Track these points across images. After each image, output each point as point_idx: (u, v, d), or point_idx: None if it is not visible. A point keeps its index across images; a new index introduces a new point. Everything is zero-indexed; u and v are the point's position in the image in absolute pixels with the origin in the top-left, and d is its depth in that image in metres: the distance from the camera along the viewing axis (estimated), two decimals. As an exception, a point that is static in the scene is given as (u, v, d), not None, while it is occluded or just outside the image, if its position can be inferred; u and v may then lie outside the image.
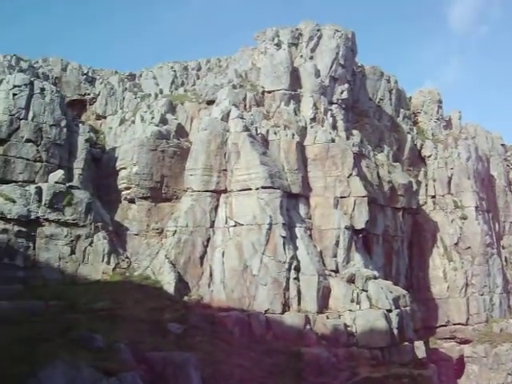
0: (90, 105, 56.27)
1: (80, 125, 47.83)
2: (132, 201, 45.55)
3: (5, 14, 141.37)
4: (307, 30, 54.44)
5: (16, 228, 38.44)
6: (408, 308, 42.42)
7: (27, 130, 42.21)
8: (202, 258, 42.57)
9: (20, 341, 27.80)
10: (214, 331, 34.91)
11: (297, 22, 56.10)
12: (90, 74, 59.02)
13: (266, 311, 39.31)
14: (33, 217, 39.33)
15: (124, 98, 56.39)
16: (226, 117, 46.60)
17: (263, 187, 42.71)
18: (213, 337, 33.81)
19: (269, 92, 50.49)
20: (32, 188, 40.17)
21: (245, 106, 49.08)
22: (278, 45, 53.51)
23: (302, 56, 53.54)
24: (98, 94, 56.68)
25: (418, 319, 47.94)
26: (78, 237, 40.70)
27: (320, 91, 51.11)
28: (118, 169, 46.49)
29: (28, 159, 41.81)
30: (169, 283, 40.36)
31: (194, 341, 32.68)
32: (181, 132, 49.25)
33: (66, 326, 30.08)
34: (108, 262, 40.97)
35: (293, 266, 41.05)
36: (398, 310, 40.61)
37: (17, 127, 41.98)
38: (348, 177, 46.05)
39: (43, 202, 39.95)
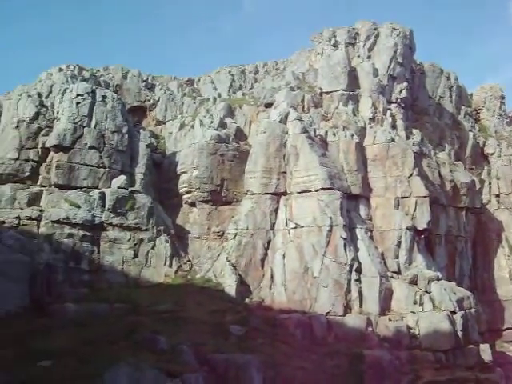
0: (150, 111, 57.22)
1: (141, 131, 48.80)
2: (193, 204, 46.08)
3: (68, 27, 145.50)
4: (364, 30, 54.01)
5: (81, 233, 39.52)
6: (473, 310, 41.39)
7: (90, 137, 43.31)
8: (262, 260, 42.68)
9: (86, 342, 28.56)
10: (275, 333, 34.93)
11: (353, 21, 55.82)
12: (149, 81, 60.03)
13: (327, 313, 39.10)
14: (97, 221, 40.34)
15: (183, 103, 57.16)
16: (284, 119, 46.63)
17: (323, 189, 42.54)
18: (274, 339, 33.82)
19: (327, 93, 50.30)
20: (96, 193, 41.22)
21: (303, 107, 49.05)
22: (335, 45, 53.24)
23: (359, 56, 53.13)
24: (158, 100, 57.62)
25: (483, 321, 46.61)
26: (141, 240, 41.48)
27: (378, 91, 50.62)
28: (178, 173, 47.14)
29: (91, 165, 42.88)
30: (230, 286, 40.64)
31: (256, 343, 32.78)
32: (240, 135, 49.57)
33: (129, 328, 30.72)
34: (170, 265, 41.58)
35: (354, 268, 40.71)
36: (462, 312, 39.72)
37: (80, 135, 43.11)
38: (409, 177, 45.38)
39: (107, 207, 40.93)
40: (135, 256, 41.02)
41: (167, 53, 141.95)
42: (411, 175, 45.49)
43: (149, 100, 57.65)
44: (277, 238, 43.03)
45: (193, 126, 50.33)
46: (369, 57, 52.89)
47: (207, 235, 45.17)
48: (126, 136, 45.16)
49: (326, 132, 46.70)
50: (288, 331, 36.19)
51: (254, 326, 35.46)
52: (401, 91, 52.34)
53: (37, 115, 43.48)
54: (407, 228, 43.59)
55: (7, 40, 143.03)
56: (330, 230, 41.27)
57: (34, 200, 40.49)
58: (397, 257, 43.13)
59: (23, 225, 39.13)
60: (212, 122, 49.23)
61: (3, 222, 38.83)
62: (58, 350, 27.33)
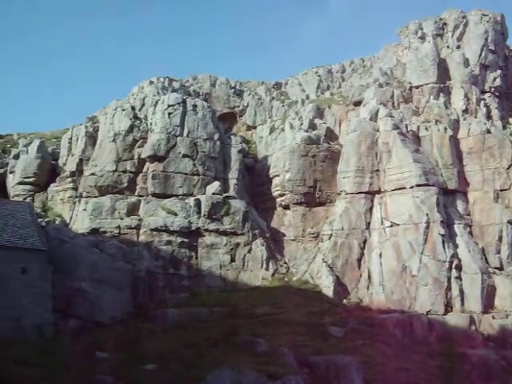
0: (240, 116, 57.97)
1: (232, 137, 49.53)
2: (287, 207, 46.30)
3: (157, 40, 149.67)
4: (452, 19, 52.58)
5: (179, 239, 40.61)
6: None
7: (183, 146, 44.37)
8: (359, 260, 42.34)
9: (188, 346, 29.24)
10: (374, 334, 34.44)
11: (440, 11, 54.41)
12: (237, 87, 60.83)
13: (427, 312, 38.30)
14: (194, 228, 41.33)
15: (272, 107, 57.57)
16: (374, 116, 46.14)
17: (418, 185, 41.82)
18: (373, 339, 33.33)
19: (416, 87, 49.40)
20: (191, 200, 42.25)
21: (393, 103, 48.39)
22: (422, 37, 52.14)
23: (448, 46, 51.78)
24: (247, 106, 58.29)
25: None
26: (237, 245, 42.09)
27: (471, 81, 49.17)
28: (271, 176, 47.52)
29: (186, 173, 43.91)
30: (327, 287, 40.55)
31: (355, 344, 32.42)
32: (330, 135, 49.40)
33: (229, 332, 31.16)
34: (267, 268, 41.94)
35: (454, 265, 39.71)
36: None
37: (174, 144, 44.27)
38: (507, 168, 43.83)
39: (202, 213, 41.84)
40: (232, 260, 41.69)
41: (254, 58, 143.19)
42: (510, 166, 43.88)
43: (238, 106, 58.41)
44: (373, 237, 42.57)
45: (283, 129, 50.60)
46: (458, 47, 51.46)
47: (302, 237, 45.26)
48: (218, 143, 45.96)
49: (418, 127, 45.86)
50: (387, 331, 35.63)
51: (353, 327, 35.14)
52: (494, 80, 50.61)
53: (131, 128, 44.96)
54: (508, 222, 42.08)
55: (99, 59, 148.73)
56: (427, 227, 40.44)
57: (132, 209, 41.88)
58: (498, 252, 41.70)
59: (123, 234, 40.62)
60: (302, 124, 49.32)
61: (105, 232, 40.46)
62: (161, 353, 28.12)
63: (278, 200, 46.68)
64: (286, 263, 43.70)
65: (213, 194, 42.87)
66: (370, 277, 41.51)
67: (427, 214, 40.63)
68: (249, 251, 42.18)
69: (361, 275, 41.91)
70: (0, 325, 28.80)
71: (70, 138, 48.13)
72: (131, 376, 25.36)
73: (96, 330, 32.84)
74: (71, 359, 26.31)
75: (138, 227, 40.93)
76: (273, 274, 41.88)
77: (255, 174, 49.74)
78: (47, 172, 46.66)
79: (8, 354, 24.90)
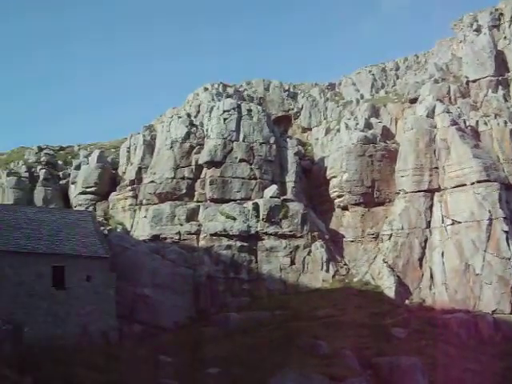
0: (295, 119, 57.89)
1: (288, 139, 49.61)
2: (345, 208, 46.01)
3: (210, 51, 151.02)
4: (508, 9, 51.48)
5: (238, 243, 40.91)
6: None
7: (240, 151, 44.70)
8: (420, 259, 41.74)
9: (250, 349, 29.43)
10: (438, 334, 33.87)
11: (495, 2, 53.14)
12: (291, 90, 60.87)
13: (493, 311, 37.43)
14: (253, 232, 41.55)
15: (327, 108, 57.30)
16: (431, 113, 45.44)
17: (479, 181, 40.99)
18: (437, 340, 32.80)
19: (473, 81, 48.51)
20: (249, 204, 42.51)
21: (449, 99, 47.62)
22: (478, 30, 51.13)
23: (505, 37, 50.70)
24: (302, 108, 58.16)
25: None
26: (297, 247, 42.06)
27: (531, 72, 47.92)
28: (328, 178, 47.30)
29: (243, 178, 44.23)
30: (389, 287, 40.13)
31: (419, 345, 31.98)
32: (387, 134, 48.85)
33: (291, 334, 31.21)
34: (327, 270, 41.76)
35: (519, 262, 38.68)
36: None
37: (230, 149, 44.66)
38: None
39: (261, 217, 41.98)
40: (292, 263, 41.67)
41: (305, 60, 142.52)
42: None
43: (292, 109, 58.38)
44: (434, 236, 41.90)
45: (338, 130, 50.34)
46: (516, 37, 50.23)
47: (362, 238, 44.87)
48: (274, 146, 46.10)
49: (477, 122, 44.98)
50: (452, 332, 35.00)
51: (416, 328, 34.66)
52: (555, 69, 49.14)
53: (188, 135, 45.59)
54: None
55: (152, 69, 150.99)
56: (490, 224, 39.57)
57: (192, 215, 42.45)
58: None
59: (183, 239, 41.27)
60: (357, 124, 48.96)
61: (165, 238, 41.15)
62: (224, 357, 28.41)
63: (336, 201, 46.42)
64: (346, 264, 43.43)
65: (270, 197, 42.98)
66: (432, 276, 40.85)
67: (489, 211, 39.76)
68: (308, 253, 42.09)
69: (423, 275, 41.28)
70: (67, 331, 29.74)
71: (129, 147, 49.16)
72: (194, 380, 25.76)
73: (159, 334, 33.45)
74: (135, 363, 26.86)
75: (197, 232, 41.48)
76: (333, 276, 41.67)
77: (312, 176, 49.61)
78: (107, 181, 47.77)
79: (75, 358, 25.62)
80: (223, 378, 26.06)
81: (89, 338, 30.01)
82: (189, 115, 47.60)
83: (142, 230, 42.59)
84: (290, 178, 45.95)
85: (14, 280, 29.80)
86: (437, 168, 43.32)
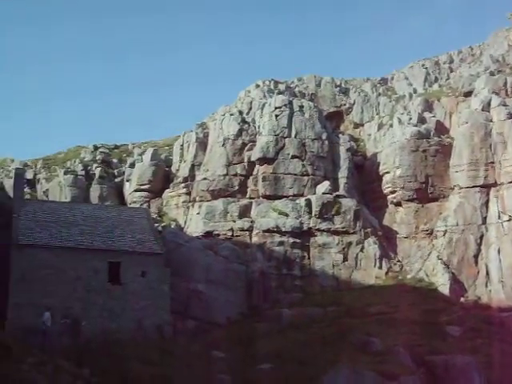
0: (347, 115, 57.46)
1: (340, 135, 49.41)
2: (398, 204, 45.55)
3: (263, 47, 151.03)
4: None
5: (291, 240, 40.93)
6: None
7: (292, 147, 44.72)
8: (476, 256, 41.08)
9: (303, 345, 29.51)
10: (494, 333, 33.27)
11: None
12: (343, 85, 60.43)
13: (552, 309, 36.60)
14: (305, 228, 41.53)
15: (379, 103, 56.69)
16: (486, 106, 44.59)
17: (536, 176, 40.01)
18: (494, 339, 32.21)
19: (532, 73, 47.28)
20: (302, 201, 42.50)
21: (506, 91, 46.61)
22: (536, 20, 49.84)
23: None
24: (354, 103, 57.69)
25: None
26: (349, 244, 41.86)
27: None
28: (381, 174, 46.90)
29: (295, 174, 44.25)
30: (443, 284, 39.59)
31: (475, 343, 31.49)
32: (440, 129, 48.11)
33: (343, 331, 31.17)
34: (380, 267, 41.44)
35: None
36: None
37: (282, 145, 44.73)
38: None
39: (313, 213, 41.91)
40: (345, 259, 41.47)
41: (358, 56, 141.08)
42: None
43: (344, 104, 57.98)
44: (490, 233, 41.17)
45: (391, 125, 49.82)
46: None
47: (416, 234, 44.35)
48: (326, 142, 45.95)
49: (535, 115, 43.77)
50: (508, 330, 34.29)
51: (471, 326, 34.11)
52: None
53: (240, 132, 45.88)
54: None
55: (204, 61, 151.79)
56: (548, 220, 38.62)
57: (244, 212, 42.71)
58: None
59: (236, 236, 41.54)
60: (410, 119, 48.40)
61: (218, 235, 41.55)
62: (276, 353, 28.57)
63: (389, 197, 46.00)
64: (399, 261, 43.01)
65: (323, 193, 42.87)
66: (488, 273, 40.20)
67: (548, 206, 38.80)
68: (361, 250, 41.83)
69: (478, 272, 40.62)
70: (123, 325, 30.35)
71: (182, 145, 49.72)
72: (247, 375, 25.96)
73: (212, 330, 33.78)
74: (189, 358, 27.29)
75: (250, 229, 41.70)
76: (386, 273, 41.33)
77: (365, 172, 49.27)
78: (161, 178, 48.48)
79: (131, 353, 26.17)
80: (275, 374, 26.23)
81: (143, 332, 30.53)
82: (241, 112, 47.89)
83: (195, 226, 43.12)
84: (343, 174, 45.75)
85: (72, 276, 30.58)
86: (493, 163, 42.49)
